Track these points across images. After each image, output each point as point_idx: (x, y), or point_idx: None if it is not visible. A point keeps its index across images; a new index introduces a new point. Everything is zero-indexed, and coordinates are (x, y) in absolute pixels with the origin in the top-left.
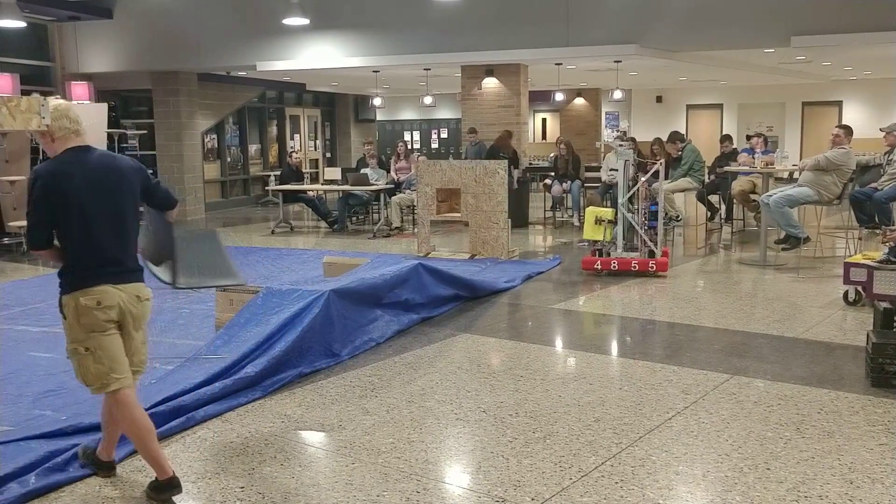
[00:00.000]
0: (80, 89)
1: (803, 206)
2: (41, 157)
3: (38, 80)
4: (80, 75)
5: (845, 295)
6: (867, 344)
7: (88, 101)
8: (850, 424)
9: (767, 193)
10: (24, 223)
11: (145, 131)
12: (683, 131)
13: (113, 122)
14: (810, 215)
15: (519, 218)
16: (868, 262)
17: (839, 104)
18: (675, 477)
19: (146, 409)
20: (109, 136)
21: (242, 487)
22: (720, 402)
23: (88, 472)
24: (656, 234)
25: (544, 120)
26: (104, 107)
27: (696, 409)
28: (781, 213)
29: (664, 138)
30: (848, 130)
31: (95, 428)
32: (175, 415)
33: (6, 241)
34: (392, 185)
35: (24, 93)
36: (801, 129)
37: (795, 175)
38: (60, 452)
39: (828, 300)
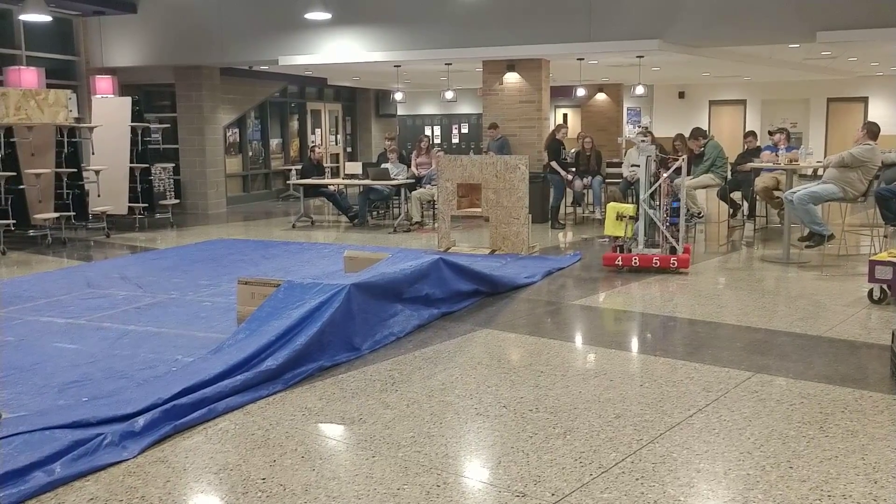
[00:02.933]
0: (104, 83)
1: (828, 203)
2: (66, 149)
3: (64, 75)
4: (105, 69)
5: (870, 293)
6: (892, 343)
7: (112, 96)
8: (874, 424)
9: (791, 190)
10: (50, 216)
11: (168, 125)
12: (706, 127)
13: (136, 116)
14: (835, 212)
15: (539, 214)
16: (893, 259)
17: (865, 100)
18: (696, 474)
19: (167, 400)
20: (133, 130)
21: (264, 479)
22: (742, 400)
23: (112, 462)
24: (678, 230)
25: (565, 115)
26: (128, 101)
27: (717, 407)
28: (805, 210)
29: (686, 134)
30: (868, 128)
31: (119, 419)
32: (197, 406)
33: (31, 233)
34: (413, 180)
35: (50, 86)
36: (825, 126)
37: (820, 172)
38: (85, 442)
39: (852, 298)
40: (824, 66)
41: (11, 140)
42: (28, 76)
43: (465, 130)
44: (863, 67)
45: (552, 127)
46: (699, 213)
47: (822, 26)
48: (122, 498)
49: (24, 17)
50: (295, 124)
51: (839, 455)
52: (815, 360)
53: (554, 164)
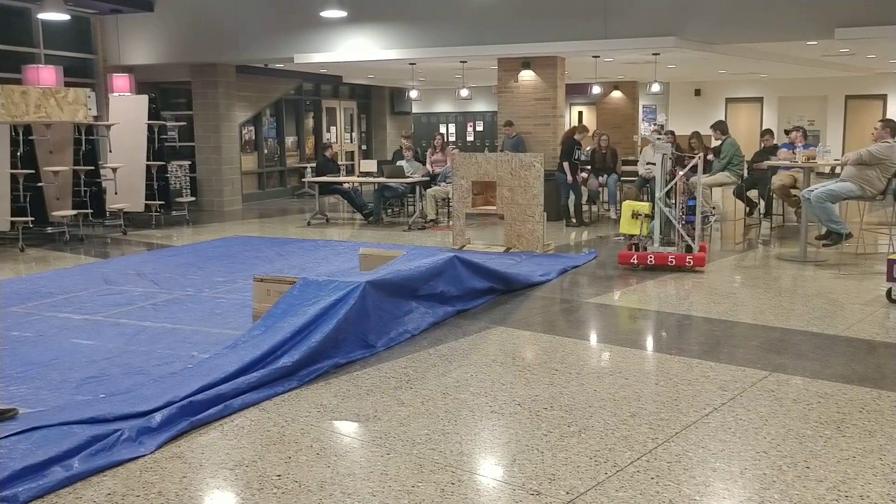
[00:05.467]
0: (121, 81)
1: (845, 201)
2: (83, 147)
3: (81, 73)
4: (122, 67)
5: (888, 292)
6: None
7: (129, 94)
8: (892, 424)
9: (809, 188)
10: (68, 213)
11: (184, 123)
12: None
13: (153, 114)
14: (853, 211)
15: (554, 211)
16: None
17: (884, 98)
18: (711, 473)
19: (185, 396)
20: (149, 128)
21: (279, 476)
22: (758, 399)
23: (130, 457)
24: (694, 228)
25: (581, 113)
26: (144, 99)
27: (733, 406)
28: (823, 208)
29: (702, 132)
30: (888, 124)
31: (136, 415)
32: (213, 403)
33: (49, 230)
34: (427, 178)
35: (68, 85)
36: (843, 123)
37: (837, 170)
38: (102, 437)
39: (870, 297)
40: (842, 63)
41: (30, 138)
42: (46, 74)
43: (479, 128)
44: (882, 64)
45: (567, 124)
46: (711, 212)
47: (840, 23)
48: (139, 493)
49: (42, 16)
50: (310, 122)
51: (857, 455)
52: (833, 360)
53: (565, 164)
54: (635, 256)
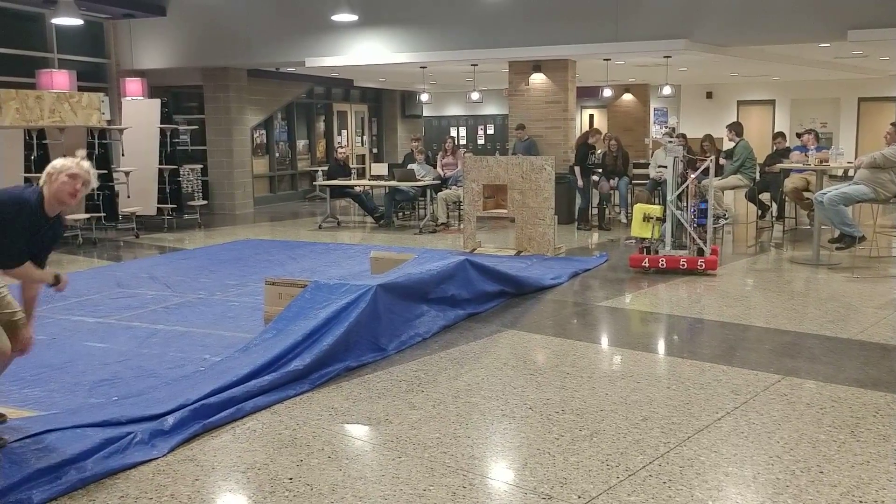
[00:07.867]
0: (133, 85)
1: (858, 204)
2: (97, 151)
3: (94, 77)
4: (134, 72)
5: None
6: None
7: (142, 98)
8: None
9: (822, 191)
10: (81, 216)
11: (196, 127)
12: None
13: (165, 118)
14: (866, 214)
15: (566, 215)
16: None
17: None
18: (724, 478)
19: (197, 400)
20: (162, 132)
21: (291, 478)
22: (771, 403)
23: (143, 460)
24: (705, 231)
25: (591, 116)
26: (157, 103)
27: (746, 410)
28: (836, 211)
29: (714, 135)
30: None
31: (149, 418)
32: (225, 406)
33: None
34: (438, 181)
35: (81, 89)
36: (856, 126)
37: (850, 173)
38: (115, 440)
39: (884, 301)
40: (855, 65)
41: (44, 142)
42: (59, 79)
43: (490, 131)
44: (895, 66)
45: (578, 127)
46: (724, 215)
47: (853, 25)
48: (152, 496)
49: (55, 21)
50: (321, 125)
51: (871, 460)
52: (846, 364)
53: (577, 168)
54: (647, 260)
